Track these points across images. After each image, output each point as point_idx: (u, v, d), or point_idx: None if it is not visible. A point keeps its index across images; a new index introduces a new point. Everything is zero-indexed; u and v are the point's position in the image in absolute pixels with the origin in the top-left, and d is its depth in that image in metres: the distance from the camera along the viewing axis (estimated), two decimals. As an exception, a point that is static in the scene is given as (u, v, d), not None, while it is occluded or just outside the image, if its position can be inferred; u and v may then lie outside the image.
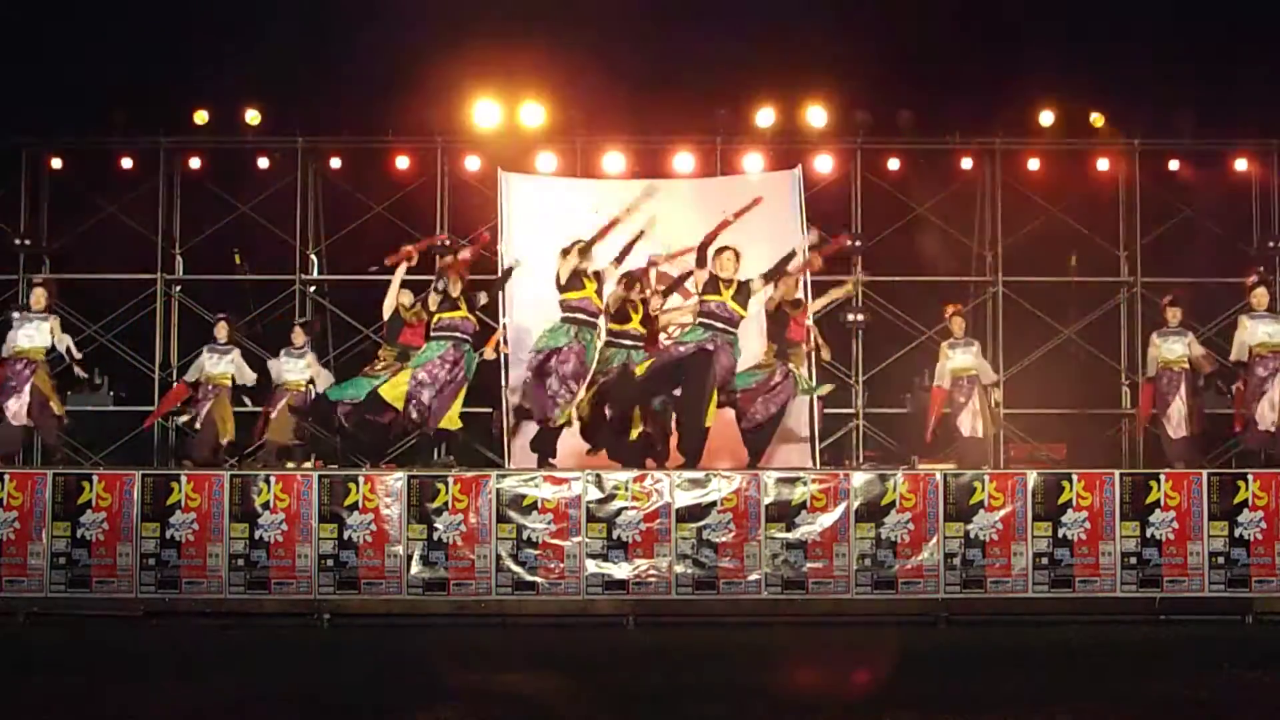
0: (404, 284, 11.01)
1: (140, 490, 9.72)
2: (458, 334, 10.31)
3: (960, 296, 14.87)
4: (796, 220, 13.27)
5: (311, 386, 12.18)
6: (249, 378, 12.28)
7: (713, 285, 10.14)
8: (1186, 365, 11.69)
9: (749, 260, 10.91)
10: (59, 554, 9.68)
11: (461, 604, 9.59)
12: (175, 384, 12.98)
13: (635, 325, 10.65)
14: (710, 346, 10.00)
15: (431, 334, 10.41)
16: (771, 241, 12.02)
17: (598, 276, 10.41)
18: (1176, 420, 11.67)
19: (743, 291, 10.18)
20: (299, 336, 12.51)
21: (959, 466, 10.88)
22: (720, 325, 10.06)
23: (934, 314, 14.63)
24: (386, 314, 11.10)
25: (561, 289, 10.34)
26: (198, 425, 12.09)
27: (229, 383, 12.17)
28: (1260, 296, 11.39)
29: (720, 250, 10.27)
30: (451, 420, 10.41)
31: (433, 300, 10.42)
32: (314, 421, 11.89)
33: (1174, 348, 11.74)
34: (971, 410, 12.27)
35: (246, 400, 12.71)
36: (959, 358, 12.37)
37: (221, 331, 12.24)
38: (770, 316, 10.94)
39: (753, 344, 11.03)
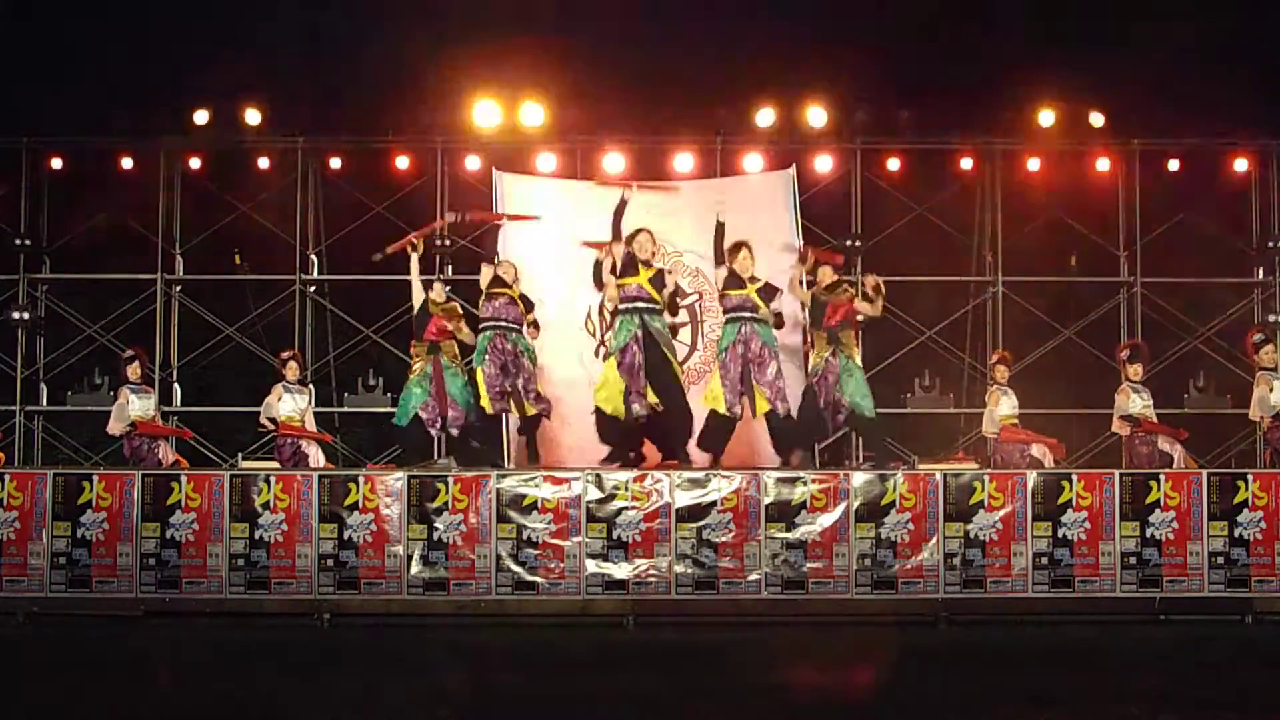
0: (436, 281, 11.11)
1: (140, 490, 9.73)
2: (502, 322, 10.56)
3: (960, 296, 14.92)
4: (791, 220, 13.27)
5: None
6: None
7: (735, 281, 10.50)
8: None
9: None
10: (59, 554, 9.69)
11: (461, 604, 9.60)
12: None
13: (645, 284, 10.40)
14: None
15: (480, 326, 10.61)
16: (765, 241, 11.99)
17: (647, 265, 10.42)
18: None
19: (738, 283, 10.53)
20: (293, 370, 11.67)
21: None
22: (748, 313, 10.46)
23: (933, 314, 14.67)
24: (415, 306, 10.81)
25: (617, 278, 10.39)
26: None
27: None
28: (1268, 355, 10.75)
29: (735, 249, 10.52)
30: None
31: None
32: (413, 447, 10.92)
33: (1148, 401, 11.14)
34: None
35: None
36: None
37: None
38: (811, 307, 10.93)
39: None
